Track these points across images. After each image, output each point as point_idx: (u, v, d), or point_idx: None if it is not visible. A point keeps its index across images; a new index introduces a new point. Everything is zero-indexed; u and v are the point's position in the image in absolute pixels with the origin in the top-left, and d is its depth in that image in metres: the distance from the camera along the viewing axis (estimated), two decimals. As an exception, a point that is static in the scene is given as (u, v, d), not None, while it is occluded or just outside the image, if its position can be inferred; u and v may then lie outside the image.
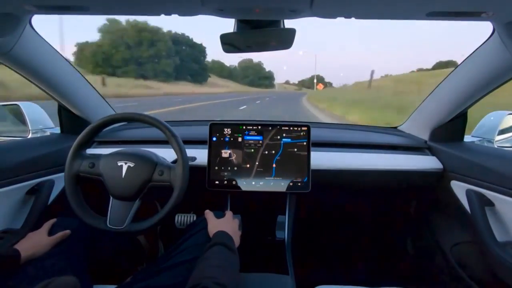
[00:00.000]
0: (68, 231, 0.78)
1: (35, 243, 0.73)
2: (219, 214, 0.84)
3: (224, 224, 0.78)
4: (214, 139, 1.01)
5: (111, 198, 0.81)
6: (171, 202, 0.79)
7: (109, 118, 0.84)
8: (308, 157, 0.99)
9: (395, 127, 1.35)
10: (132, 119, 0.88)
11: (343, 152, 1.11)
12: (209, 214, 0.83)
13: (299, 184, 0.99)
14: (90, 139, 0.85)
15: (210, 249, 0.65)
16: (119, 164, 0.80)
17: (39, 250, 0.72)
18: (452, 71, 0.97)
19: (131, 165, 0.80)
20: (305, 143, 1.00)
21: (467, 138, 1.13)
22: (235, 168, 1.00)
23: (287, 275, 0.84)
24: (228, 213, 0.86)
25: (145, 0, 0.60)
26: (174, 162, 0.89)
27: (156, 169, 0.81)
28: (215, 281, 0.54)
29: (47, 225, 0.79)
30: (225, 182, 0.99)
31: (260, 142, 1.01)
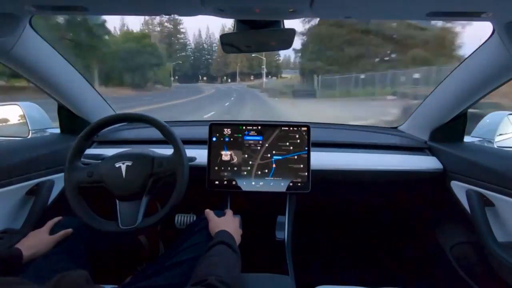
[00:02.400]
0: (69, 230, 0.78)
1: (36, 242, 0.73)
2: (219, 213, 0.85)
3: (225, 223, 0.78)
4: (214, 139, 1.01)
5: (117, 201, 0.81)
6: (178, 187, 0.79)
7: (100, 122, 0.84)
8: (308, 157, 0.99)
9: (395, 127, 1.35)
10: (125, 120, 0.89)
11: (343, 152, 1.11)
12: (210, 214, 0.83)
13: (299, 184, 0.99)
14: (84, 146, 0.85)
15: (213, 248, 0.66)
16: (117, 165, 0.80)
17: (40, 249, 0.72)
18: (452, 71, 0.97)
19: (129, 164, 0.80)
20: (305, 143, 1.00)
21: (467, 138, 1.13)
22: (235, 168, 1.00)
23: (287, 275, 0.84)
24: (229, 212, 0.86)
25: (145, 0, 0.60)
26: None
27: (155, 162, 0.82)
28: (219, 279, 0.54)
29: (49, 224, 0.80)
30: (225, 182, 0.99)
31: (260, 142, 1.01)
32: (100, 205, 0.86)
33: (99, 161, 0.84)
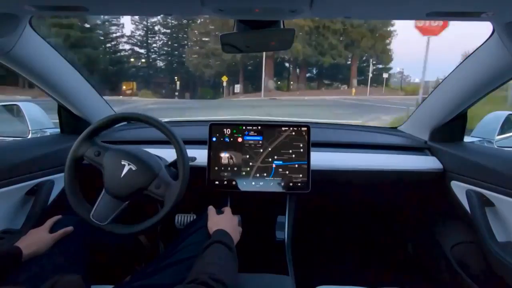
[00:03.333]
0: (69, 228, 0.78)
1: (36, 240, 0.73)
2: (218, 212, 0.85)
3: (223, 222, 0.78)
4: (214, 139, 1.01)
5: (103, 191, 0.80)
6: (156, 217, 0.78)
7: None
8: (308, 157, 0.99)
9: (395, 127, 1.35)
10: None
11: (343, 152, 1.11)
12: (211, 211, 0.83)
13: (299, 184, 0.99)
14: (105, 128, 0.85)
15: (208, 247, 0.66)
16: (122, 163, 0.80)
17: (40, 247, 0.72)
18: (452, 71, 0.98)
19: (133, 168, 0.80)
20: (305, 143, 1.00)
21: (467, 138, 1.13)
22: (235, 169, 1.00)
23: (287, 275, 0.84)
24: (227, 210, 0.86)
25: (145, 0, 0.60)
26: (172, 164, 0.89)
27: (155, 181, 0.80)
28: (213, 277, 0.54)
29: (49, 222, 0.80)
30: (225, 182, 0.99)
31: (260, 142, 1.01)
32: (89, 188, 0.85)
33: (114, 146, 0.84)
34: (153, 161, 0.84)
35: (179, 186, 0.79)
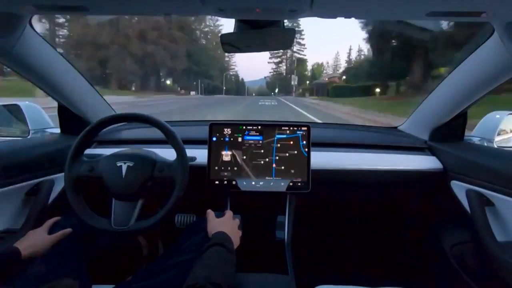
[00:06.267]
0: (68, 230, 0.78)
1: (35, 241, 0.73)
2: (219, 215, 0.85)
3: (224, 224, 0.78)
4: (214, 139, 1.01)
5: (113, 200, 0.81)
6: (174, 195, 0.79)
7: (104, 119, 0.84)
8: (308, 157, 0.99)
9: (395, 127, 1.35)
10: (126, 119, 0.89)
11: (343, 152, 1.11)
12: (210, 214, 0.83)
13: (299, 184, 0.99)
14: (87, 142, 0.85)
15: (208, 250, 0.65)
16: (118, 164, 0.80)
17: (39, 248, 0.72)
18: (452, 71, 0.98)
19: (131, 164, 0.80)
20: (305, 143, 1.00)
21: (467, 138, 1.13)
22: (235, 168, 1.00)
23: (287, 275, 0.84)
24: (228, 213, 0.86)
25: (145, 0, 0.60)
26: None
27: (156, 166, 0.82)
28: (211, 282, 0.54)
29: (47, 223, 0.80)
30: (225, 182, 0.99)
31: (260, 142, 1.01)
32: (96, 201, 0.86)
33: (101, 157, 0.85)
34: (146, 152, 0.86)
35: (181, 163, 0.81)
